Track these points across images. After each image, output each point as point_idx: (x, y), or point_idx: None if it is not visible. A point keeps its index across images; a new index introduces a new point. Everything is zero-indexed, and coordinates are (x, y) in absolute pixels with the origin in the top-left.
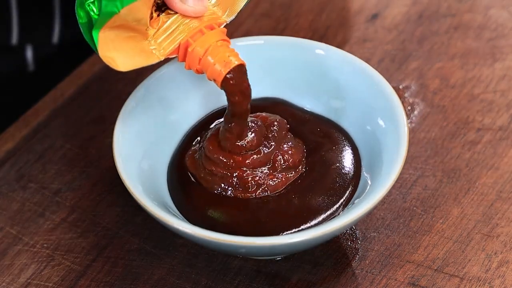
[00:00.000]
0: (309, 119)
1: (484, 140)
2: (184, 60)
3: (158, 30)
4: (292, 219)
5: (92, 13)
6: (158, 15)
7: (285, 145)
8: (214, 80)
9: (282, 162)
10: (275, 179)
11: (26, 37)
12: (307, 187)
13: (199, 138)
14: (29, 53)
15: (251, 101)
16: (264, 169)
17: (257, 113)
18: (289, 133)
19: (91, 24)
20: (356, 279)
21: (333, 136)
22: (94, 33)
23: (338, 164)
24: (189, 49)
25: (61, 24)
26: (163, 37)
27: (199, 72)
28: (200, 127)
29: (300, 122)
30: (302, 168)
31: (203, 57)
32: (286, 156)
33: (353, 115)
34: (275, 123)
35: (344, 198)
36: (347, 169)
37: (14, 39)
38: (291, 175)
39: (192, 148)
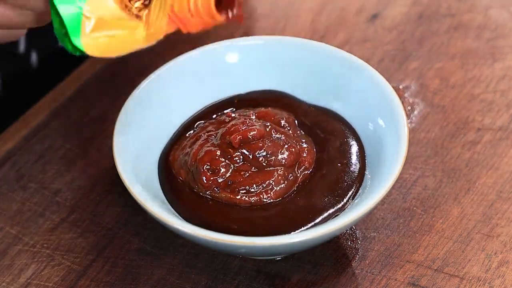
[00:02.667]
0: (313, 112)
1: (484, 140)
2: (187, 29)
3: (146, 17)
4: (297, 222)
5: (56, 25)
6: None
7: (297, 145)
8: (212, 16)
9: (298, 166)
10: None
11: (32, 45)
12: (313, 188)
13: (192, 132)
14: (33, 57)
15: (253, 94)
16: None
17: (262, 109)
18: (299, 130)
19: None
20: (356, 279)
21: (339, 130)
22: (74, 42)
23: (345, 161)
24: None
25: None
26: (154, 17)
27: (199, 27)
28: (189, 123)
29: (304, 115)
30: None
31: (190, 6)
32: (302, 158)
33: (353, 115)
34: (282, 122)
35: (348, 197)
36: (353, 167)
37: (22, 47)
38: (301, 176)
39: (175, 146)
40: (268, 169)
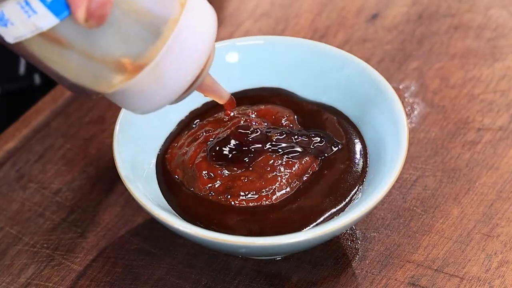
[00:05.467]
0: (314, 110)
1: (484, 140)
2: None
3: None
4: (297, 222)
5: None
6: None
7: (307, 157)
8: None
9: (293, 162)
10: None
11: (33, 68)
12: (315, 189)
13: (189, 130)
14: (37, 79)
15: (251, 91)
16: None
17: (261, 107)
18: (302, 129)
19: None
20: (356, 279)
21: (341, 129)
22: None
23: (348, 161)
24: None
25: None
26: None
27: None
28: (188, 120)
29: (305, 113)
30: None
31: None
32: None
33: (353, 115)
34: (283, 120)
35: (349, 198)
36: (355, 167)
37: (22, 70)
38: (305, 177)
39: (173, 144)
40: (271, 175)
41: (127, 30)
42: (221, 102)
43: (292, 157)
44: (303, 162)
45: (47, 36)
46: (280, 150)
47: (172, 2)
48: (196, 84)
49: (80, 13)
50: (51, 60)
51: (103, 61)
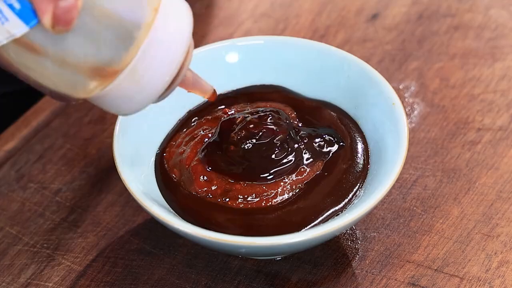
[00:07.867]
0: (312, 105)
1: (484, 140)
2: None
3: None
4: (297, 222)
5: None
6: None
7: (318, 161)
8: None
9: (304, 169)
10: (292, 191)
11: None
12: (316, 189)
13: (188, 128)
14: None
15: (250, 88)
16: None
17: (260, 104)
18: (304, 127)
19: None
20: (356, 279)
21: (343, 128)
22: None
23: (350, 161)
24: None
25: None
26: None
27: None
28: (186, 119)
29: (304, 109)
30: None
31: None
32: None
33: (353, 115)
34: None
35: (350, 198)
36: (357, 167)
37: None
38: (306, 178)
39: (171, 143)
40: (274, 180)
41: (99, 36)
42: (205, 96)
43: (306, 165)
44: (313, 167)
45: (21, 42)
46: (299, 161)
47: (144, 7)
48: (177, 82)
49: (46, 19)
50: (28, 68)
51: (77, 67)
